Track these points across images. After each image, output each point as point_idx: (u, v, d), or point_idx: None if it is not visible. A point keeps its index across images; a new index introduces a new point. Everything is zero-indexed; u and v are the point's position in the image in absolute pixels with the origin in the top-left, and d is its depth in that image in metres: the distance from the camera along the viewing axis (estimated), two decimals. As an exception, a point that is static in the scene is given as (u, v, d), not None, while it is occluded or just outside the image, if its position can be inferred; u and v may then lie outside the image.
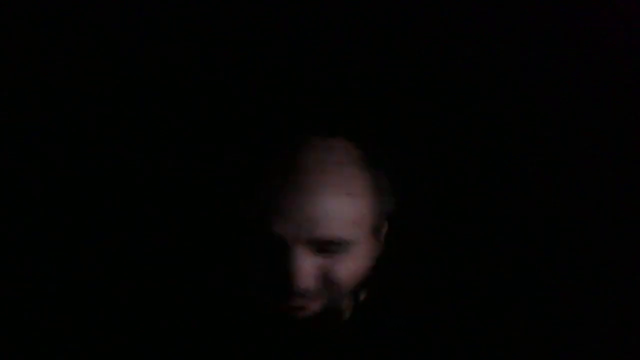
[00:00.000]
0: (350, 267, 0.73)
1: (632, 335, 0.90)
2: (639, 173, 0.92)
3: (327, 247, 0.71)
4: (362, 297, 0.81)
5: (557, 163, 0.95)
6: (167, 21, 0.96)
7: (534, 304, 0.93)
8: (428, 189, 0.93)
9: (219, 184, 0.95)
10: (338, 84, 0.96)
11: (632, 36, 0.91)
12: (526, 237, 0.95)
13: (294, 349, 0.78)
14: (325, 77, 0.96)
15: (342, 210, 0.71)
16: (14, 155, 0.96)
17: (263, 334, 0.79)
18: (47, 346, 0.92)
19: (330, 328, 0.77)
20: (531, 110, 0.95)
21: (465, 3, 0.94)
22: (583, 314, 0.92)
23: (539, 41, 0.94)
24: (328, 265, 0.72)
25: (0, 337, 0.93)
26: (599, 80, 0.93)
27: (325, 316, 0.74)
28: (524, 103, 0.95)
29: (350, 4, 0.94)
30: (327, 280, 0.72)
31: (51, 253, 0.96)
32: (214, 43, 0.97)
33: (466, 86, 0.96)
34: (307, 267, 0.71)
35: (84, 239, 0.96)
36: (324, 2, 0.95)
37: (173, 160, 0.97)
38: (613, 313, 0.91)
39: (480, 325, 0.88)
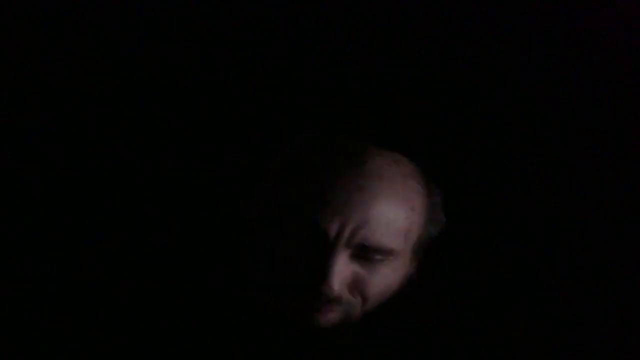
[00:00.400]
0: (383, 280, 0.71)
1: (632, 335, 0.90)
2: (639, 173, 0.92)
3: (370, 254, 0.69)
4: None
5: (557, 163, 0.95)
6: (167, 21, 0.96)
7: (534, 304, 0.93)
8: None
9: (219, 183, 0.95)
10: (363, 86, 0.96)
11: (632, 36, 0.91)
12: (526, 237, 0.95)
13: (294, 349, 0.78)
14: (332, 76, 0.96)
15: (398, 220, 0.70)
16: (14, 155, 0.96)
17: (263, 334, 0.79)
18: (47, 346, 0.92)
19: (338, 335, 0.77)
20: (531, 110, 0.95)
21: (465, 3, 0.94)
22: (583, 314, 0.92)
23: (539, 41, 0.94)
24: (362, 275, 0.70)
25: (0, 337, 0.92)
26: (599, 80, 0.93)
27: (340, 327, 0.73)
28: (524, 103, 0.95)
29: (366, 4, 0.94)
30: (355, 289, 0.71)
31: (51, 253, 0.95)
32: (214, 43, 0.97)
33: (466, 86, 0.96)
34: (345, 272, 0.69)
35: (84, 239, 0.96)
36: (327, 2, 0.95)
37: (173, 160, 0.97)
38: (613, 313, 0.91)
39: (480, 325, 0.88)
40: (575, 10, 0.92)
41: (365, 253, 0.69)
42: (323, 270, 0.67)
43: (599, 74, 0.93)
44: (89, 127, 0.97)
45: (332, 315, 0.71)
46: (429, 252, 0.93)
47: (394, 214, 0.70)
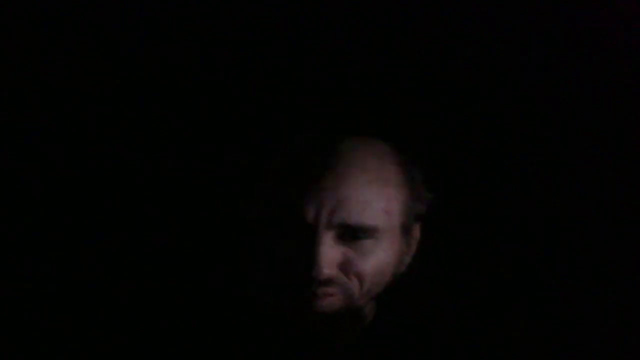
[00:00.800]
0: (374, 259, 0.72)
1: (632, 335, 0.90)
2: (639, 173, 0.92)
3: (355, 233, 0.71)
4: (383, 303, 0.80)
5: (557, 163, 0.95)
6: (167, 21, 0.96)
7: (533, 304, 0.93)
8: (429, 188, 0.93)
9: (219, 183, 0.95)
10: (361, 84, 0.96)
11: (632, 36, 0.91)
12: (526, 237, 0.95)
13: (294, 349, 0.78)
14: (332, 76, 0.96)
15: (374, 198, 0.71)
16: (14, 155, 0.96)
17: (263, 334, 0.79)
18: (47, 346, 0.92)
19: (350, 330, 0.77)
20: (531, 110, 0.95)
21: (466, 3, 0.94)
22: (583, 314, 0.92)
23: (539, 41, 0.94)
24: (352, 255, 0.71)
25: (0, 337, 0.92)
26: (599, 80, 0.93)
27: (344, 315, 0.73)
28: (524, 103, 0.95)
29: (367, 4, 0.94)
30: (349, 271, 0.71)
31: (51, 253, 0.95)
32: (214, 43, 0.97)
33: (466, 86, 0.96)
34: (332, 253, 0.70)
35: (84, 239, 0.96)
36: (327, 2, 0.95)
37: (173, 160, 0.97)
38: (613, 313, 0.91)
39: (480, 325, 0.88)
40: (575, 10, 0.92)
41: (349, 233, 0.71)
42: (311, 255, 0.69)
43: (599, 74, 0.93)
44: (89, 127, 0.97)
45: (332, 300, 0.72)
46: (429, 251, 0.94)
47: (369, 192, 0.71)
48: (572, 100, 0.94)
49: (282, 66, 0.97)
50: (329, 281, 0.70)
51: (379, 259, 0.73)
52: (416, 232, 0.79)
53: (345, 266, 0.71)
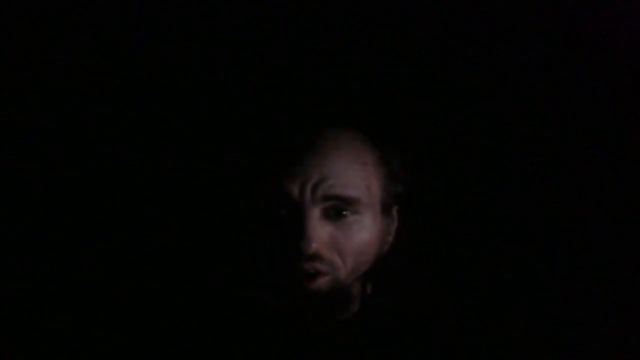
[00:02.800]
0: (357, 237, 0.76)
1: (632, 335, 0.90)
2: (639, 173, 0.92)
3: (339, 208, 0.75)
4: (368, 289, 0.82)
5: (557, 163, 0.95)
6: (167, 21, 0.96)
7: (534, 304, 0.93)
8: (428, 188, 0.93)
9: (219, 183, 0.95)
10: (344, 82, 0.96)
11: (632, 36, 0.91)
12: (526, 237, 0.95)
13: (294, 349, 0.78)
14: (332, 76, 0.96)
15: (355, 174, 0.76)
16: (14, 155, 0.96)
17: (263, 334, 0.79)
18: (47, 346, 0.92)
19: (341, 312, 0.78)
20: (531, 110, 0.95)
21: (467, 3, 0.94)
22: (583, 314, 0.92)
23: (539, 41, 0.94)
24: (337, 234, 0.75)
25: (0, 337, 0.92)
26: (599, 80, 0.93)
27: (334, 296, 0.75)
28: (524, 103, 0.95)
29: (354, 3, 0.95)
30: (334, 249, 0.75)
31: (51, 253, 0.95)
32: (214, 43, 0.97)
33: (466, 86, 0.96)
34: (319, 229, 0.74)
35: (84, 239, 0.96)
36: (327, 2, 0.95)
37: (173, 161, 0.97)
38: (613, 313, 0.91)
39: (481, 325, 0.89)
40: (575, 10, 0.92)
41: (333, 208, 0.75)
42: (300, 230, 0.73)
43: (599, 74, 0.93)
44: (89, 127, 0.97)
45: (321, 280, 0.75)
46: (429, 252, 0.94)
47: (349, 168, 0.76)
48: (572, 100, 0.94)
49: (282, 66, 0.97)
50: (317, 256, 0.74)
51: (363, 237, 0.76)
52: (394, 214, 0.83)
53: (331, 245, 0.75)
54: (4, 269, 0.95)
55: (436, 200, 0.95)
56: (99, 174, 0.97)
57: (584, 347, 0.90)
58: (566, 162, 0.95)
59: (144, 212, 0.97)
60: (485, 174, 0.96)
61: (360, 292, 0.81)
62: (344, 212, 0.75)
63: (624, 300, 0.91)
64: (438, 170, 0.96)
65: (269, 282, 0.77)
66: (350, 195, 0.75)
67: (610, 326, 0.91)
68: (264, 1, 0.95)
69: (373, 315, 0.80)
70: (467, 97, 0.96)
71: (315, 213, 0.74)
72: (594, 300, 0.92)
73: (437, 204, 0.94)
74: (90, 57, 0.96)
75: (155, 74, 0.97)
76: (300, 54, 0.96)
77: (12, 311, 0.94)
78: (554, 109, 0.95)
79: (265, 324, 0.79)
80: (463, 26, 0.94)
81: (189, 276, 0.93)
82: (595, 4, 0.92)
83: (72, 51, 0.96)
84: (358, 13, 0.95)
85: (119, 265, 0.96)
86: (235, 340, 0.80)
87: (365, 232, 0.77)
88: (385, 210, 0.80)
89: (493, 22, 0.94)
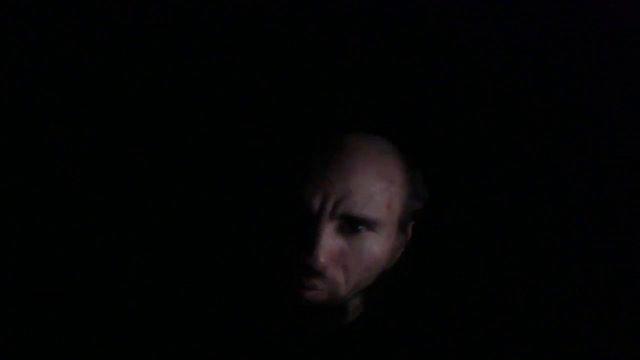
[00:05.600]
0: (368, 254, 0.74)
1: (633, 335, 0.90)
2: (639, 173, 0.92)
3: (356, 226, 0.72)
4: (372, 297, 0.81)
5: (557, 163, 0.95)
6: (167, 21, 0.96)
7: (534, 304, 0.93)
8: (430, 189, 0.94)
9: (225, 182, 0.95)
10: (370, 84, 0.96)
11: (632, 36, 0.91)
12: (526, 237, 0.95)
13: (294, 349, 0.78)
14: (367, 83, 0.96)
15: (378, 192, 0.73)
16: (14, 155, 0.96)
17: (263, 333, 0.79)
18: (48, 346, 0.92)
19: (330, 325, 0.78)
20: (531, 110, 0.95)
21: (467, 3, 0.94)
22: (583, 313, 0.92)
23: (540, 41, 0.94)
24: (347, 250, 0.73)
25: (0, 337, 0.93)
26: (599, 80, 0.93)
27: (326, 309, 0.74)
28: (524, 103, 0.95)
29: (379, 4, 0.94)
30: (339, 263, 0.73)
31: (51, 253, 0.96)
32: (214, 43, 0.97)
33: (466, 86, 0.96)
34: (331, 243, 0.72)
35: (84, 238, 0.96)
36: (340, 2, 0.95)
37: (173, 160, 0.98)
38: (613, 313, 0.91)
39: (480, 324, 0.89)
40: (575, 10, 0.92)
41: (350, 225, 0.73)
42: (311, 243, 0.71)
43: (599, 74, 0.93)
44: (89, 127, 0.97)
45: (317, 293, 0.73)
46: (429, 252, 0.94)
47: (373, 186, 0.73)
48: (572, 100, 0.94)
49: (283, 66, 0.97)
50: (320, 273, 0.72)
51: (373, 253, 0.74)
52: (410, 229, 0.80)
53: (338, 260, 0.73)
54: (4, 269, 0.95)
55: (436, 200, 0.94)
56: (99, 174, 0.97)
57: (584, 347, 0.90)
58: (566, 161, 0.95)
59: (144, 212, 0.97)
60: (486, 174, 0.96)
61: (360, 303, 0.79)
62: (359, 227, 0.73)
63: (624, 300, 0.91)
64: (438, 170, 0.96)
65: (268, 282, 0.76)
66: (369, 216, 0.72)
67: (610, 326, 0.91)
68: (264, 1, 0.96)
69: (370, 325, 0.80)
70: (468, 97, 0.96)
71: (330, 228, 0.72)
72: (594, 300, 0.92)
73: (436, 203, 0.94)
74: (90, 57, 0.96)
75: (155, 74, 0.97)
76: (301, 54, 0.97)
77: (12, 311, 0.94)
78: (557, 109, 0.95)
79: (265, 323, 0.79)
80: (463, 26, 0.94)
81: (189, 276, 0.93)
82: (595, 4, 0.92)
83: (72, 51, 0.96)
84: (389, 17, 0.95)
85: (119, 265, 0.96)
86: (236, 340, 0.81)
87: (376, 249, 0.74)
88: (402, 227, 0.78)
89: (493, 22, 0.94)
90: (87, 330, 0.93)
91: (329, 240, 0.72)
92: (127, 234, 0.97)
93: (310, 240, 0.71)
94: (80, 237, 0.96)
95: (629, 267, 0.91)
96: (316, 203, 0.72)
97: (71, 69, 0.96)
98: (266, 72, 0.97)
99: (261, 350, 0.78)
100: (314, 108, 0.95)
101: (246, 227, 0.83)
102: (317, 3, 0.95)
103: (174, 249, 0.96)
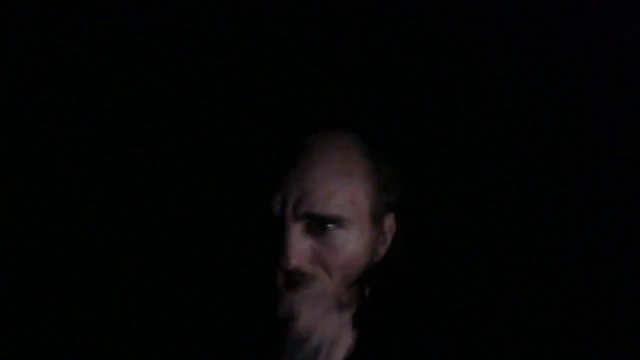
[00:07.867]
0: (342, 251, 0.74)
1: (633, 335, 0.90)
2: (639, 173, 0.92)
3: (322, 224, 0.73)
4: (367, 293, 0.81)
5: (557, 163, 0.95)
6: (167, 21, 0.96)
7: (534, 304, 0.93)
8: (428, 188, 0.93)
9: (222, 183, 0.95)
10: (344, 80, 0.96)
11: (632, 36, 0.91)
12: (526, 237, 0.95)
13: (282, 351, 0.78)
14: (330, 74, 0.96)
15: (338, 189, 0.73)
16: (14, 155, 0.96)
17: (262, 333, 0.79)
18: (47, 346, 0.92)
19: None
20: (530, 110, 0.95)
21: (468, 3, 0.94)
22: (583, 314, 0.92)
23: (539, 41, 0.94)
24: (320, 248, 0.73)
25: (0, 337, 0.93)
26: (599, 80, 0.93)
27: (317, 305, 0.73)
28: (523, 103, 0.95)
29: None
30: (317, 263, 0.73)
31: (51, 253, 0.96)
32: (213, 43, 0.97)
33: (466, 85, 0.96)
34: (300, 245, 0.72)
35: (84, 238, 0.96)
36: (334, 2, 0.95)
37: (173, 161, 0.98)
38: (613, 313, 0.91)
39: (480, 324, 0.89)
40: (575, 10, 0.92)
41: (316, 224, 0.73)
42: (280, 247, 0.72)
43: (600, 74, 0.93)
44: (89, 127, 0.97)
45: (302, 289, 0.72)
46: (429, 252, 0.94)
47: (333, 184, 0.73)
48: (572, 100, 0.94)
49: (283, 66, 0.97)
50: (297, 271, 0.72)
51: (348, 250, 0.74)
52: (389, 222, 0.80)
53: (313, 259, 0.73)
54: (4, 269, 0.95)
55: (432, 202, 0.94)
56: (99, 173, 0.97)
57: (584, 347, 0.90)
58: (566, 161, 0.95)
59: (144, 212, 0.97)
60: (481, 176, 0.96)
61: (354, 297, 0.79)
62: (328, 225, 0.73)
63: (624, 300, 0.91)
64: (438, 170, 0.96)
65: (261, 282, 0.76)
66: (330, 213, 0.72)
67: (610, 326, 0.91)
68: (264, 1, 0.96)
69: (366, 319, 0.79)
70: (467, 97, 0.96)
71: (296, 229, 0.72)
72: (594, 300, 0.92)
73: (433, 206, 0.94)
74: (90, 57, 0.96)
75: (155, 74, 0.97)
76: (301, 54, 0.97)
77: (12, 311, 0.94)
78: (554, 108, 0.95)
79: (265, 323, 0.79)
80: (460, 28, 0.94)
81: (188, 276, 0.93)
82: (595, 4, 0.92)
83: (72, 51, 0.96)
84: (348, 10, 0.95)
85: (119, 265, 0.96)
86: (234, 340, 0.81)
87: (350, 246, 0.74)
88: (376, 220, 0.77)
89: (493, 22, 0.94)
90: (87, 330, 0.93)
91: (297, 241, 0.72)
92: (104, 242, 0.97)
93: (280, 243, 0.72)
94: (78, 237, 0.96)
95: (629, 267, 0.91)
96: (277, 205, 0.73)
97: (71, 69, 0.96)
98: (235, 75, 0.97)
99: (259, 350, 0.78)
100: (282, 110, 0.95)
101: (229, 231, 0.84)
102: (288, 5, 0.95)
103: (172, 249, 0.96)
